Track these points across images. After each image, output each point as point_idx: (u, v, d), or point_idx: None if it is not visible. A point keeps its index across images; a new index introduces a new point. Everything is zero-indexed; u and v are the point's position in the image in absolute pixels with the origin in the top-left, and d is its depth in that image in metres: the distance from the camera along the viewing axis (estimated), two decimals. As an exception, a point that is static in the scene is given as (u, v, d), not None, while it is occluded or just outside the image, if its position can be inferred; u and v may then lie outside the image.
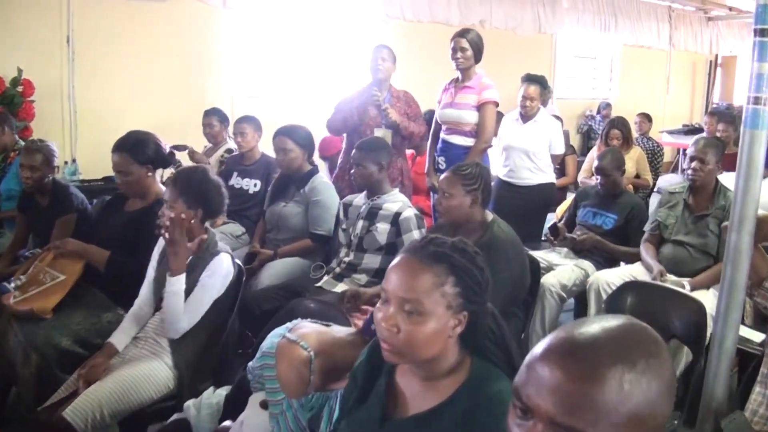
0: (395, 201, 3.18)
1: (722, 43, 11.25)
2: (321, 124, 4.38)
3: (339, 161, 4.29)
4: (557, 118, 5.55)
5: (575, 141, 9.62)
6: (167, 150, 3.03)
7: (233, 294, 2.57)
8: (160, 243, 2.58)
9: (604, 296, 3.31)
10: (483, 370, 1.34)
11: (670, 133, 9.40)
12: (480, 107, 4.02)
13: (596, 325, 0.85)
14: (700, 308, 2.36)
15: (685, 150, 8.61)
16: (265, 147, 4.27)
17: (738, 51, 11.39)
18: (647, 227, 3.62)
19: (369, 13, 7.10)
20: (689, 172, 3.41)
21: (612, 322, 0.86)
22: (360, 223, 3.19)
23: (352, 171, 3.23)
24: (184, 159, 4.49)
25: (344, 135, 4.26)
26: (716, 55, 11.31)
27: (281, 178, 3.71)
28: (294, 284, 3.22)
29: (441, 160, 4.17)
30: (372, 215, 3.17)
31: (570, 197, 5.67)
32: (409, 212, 3.10)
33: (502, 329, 1.40)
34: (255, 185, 4.18)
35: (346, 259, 3.20)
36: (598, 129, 9.51)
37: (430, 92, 4.37)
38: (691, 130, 9.16)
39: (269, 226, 3.66)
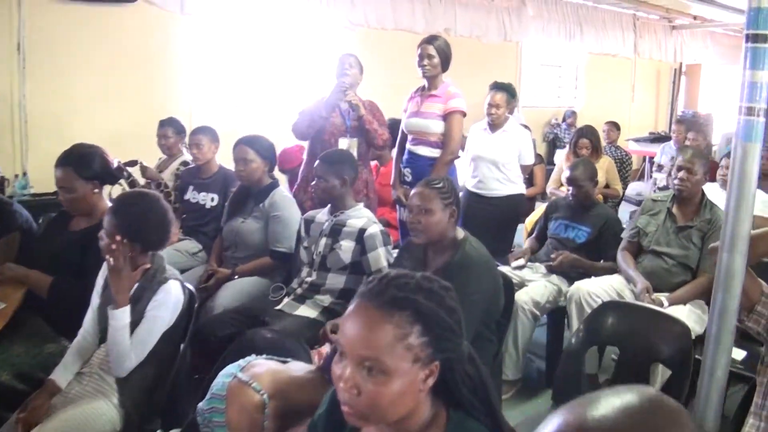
0: (360, 217, 3.00)
1: (686, 51, 11.32)
2: (283, 134, 4.19)
3: (300, 171, 4.11)
4: (525, 127, 5.43)
5: (541, 149, 9.54)
6: (115, 164, 2.82)
7: (184, 322, 2.35)
8: (105, 267, 2.37)
9: (587, 308, 3.19)
10: (461, 424, 1.16)
11: (636, 141, 9.40)
12: (446, 117, 3.87)
13: (609, 405, 0.68)
14: (685, 332, 2.23)
15: (651, 158, 8.63)
16: (223, 159, 4.06)
17: (702, 59, 11.48)
18: (625, 234, 3.51)
19: (332, 21, 6.93)
20: (676, 182, 3.31)
21: (627, 398, 0.69)
22: (323, 241, 3.00)
23: (312, 183, 3.04)
24: (136, 173, 4.25)
25: (306, 145, 4.08)
26: (680, 63, 11.37)
27: (239, 192, 3.51)
28: (252, 307, 3.01)
29: (407, 171, 4.01)
30: (335, 232, 2.99)
31: (539, 208, 5.57)
32: (375, 228, 2.93)
33: (480, 373, 1.22)
34: (212, 199, 3.96)
35: (308, 279, 3.00)
36: (564, 137, 9.47)
37: (396, 101, 4.22)
38: (657, 138, 9.17)
39: (227, 243, 3.46)
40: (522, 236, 5.71)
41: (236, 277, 3.28)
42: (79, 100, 5.37)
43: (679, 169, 3.30)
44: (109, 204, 2.69)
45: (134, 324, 2.16)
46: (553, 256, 3.67)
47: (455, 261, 2.48)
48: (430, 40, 3.93)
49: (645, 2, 9.27)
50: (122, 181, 4.30)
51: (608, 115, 10.31)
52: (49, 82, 5.24)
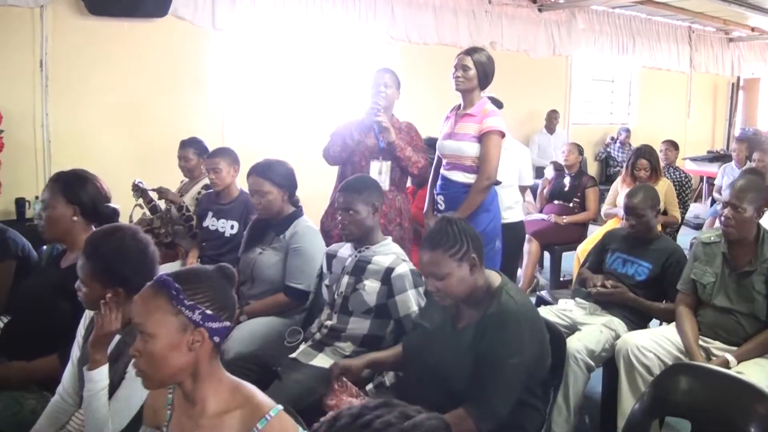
0: (387, 253, 2.64)
1: (744, 65, 10.74)
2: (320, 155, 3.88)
3: (331, 197, 3.77)
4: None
5: (593, 169, 9.07)
6: (110, 205, 2.56)
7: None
8: (87, 314, 2.07)
9: (635, 362, 2.81)
10: None
11: (693, 160, 8.83)
12: (482, 138, 3.46)
13: None
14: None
15: (710, 178, 8.08)
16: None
17: (761, 73, 10.84)
18: (681, 285, 3.03)
19: (371, 35, 6.64)
20: (722, 219, 2.83)
21: None
22: (345, 279, 2.65)
23: (339, 220, 2.67)
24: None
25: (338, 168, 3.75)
26: (738, 78, 10.77)
27: (259, 221, 3.18)
28: (264, 355, 2.67)
29: (440, 199, 3.58)
30: (359, 270, 2.63)
31: (594, 234, 5.14)
32: (404, 268, 2.56)
33: None
34: (232, 227, 3.65)
35: (328, 323, 2.64)
36: (617, 156, 8.98)
37: (439, 121, 3.86)
38: (716, 157, 8.60)
39: (242, 277, 3.11)
40: (573, 266, 5.29)
41: (244, 317, 2.94)
42: (105, 119, 5.18)
43: (725, 205, 2.81)
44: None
45: (114, 386, 1.84)
46: (609, 282, 3.25)
47: (490, 315, 2.08)
48: (470, 51, 3.54)
49: (702, 14, 8.74)
50: (143, 204, 4.07)
51: (663, 132, 9.81)
52: (73, 100, 5.07)
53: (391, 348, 2.46)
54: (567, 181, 5.51)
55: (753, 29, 9.74)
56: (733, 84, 10.79)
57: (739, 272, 2.81)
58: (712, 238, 2.95)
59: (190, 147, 4.10)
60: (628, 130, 9.07)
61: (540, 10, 8.21)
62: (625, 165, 4.98)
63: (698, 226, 6.85)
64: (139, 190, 3.94)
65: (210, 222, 3.70)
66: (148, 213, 4.07)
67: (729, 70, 10.60)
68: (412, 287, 2.53)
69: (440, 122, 3.80)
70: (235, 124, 5.85)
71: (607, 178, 8.81)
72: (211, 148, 3.96)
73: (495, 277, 2.19)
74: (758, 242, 2.80)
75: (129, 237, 1.98)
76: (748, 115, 10.81)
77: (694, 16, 8.82)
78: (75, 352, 2.04)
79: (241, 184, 3.79)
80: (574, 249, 5.39)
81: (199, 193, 4.02)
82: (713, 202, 6.88)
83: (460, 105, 3.62)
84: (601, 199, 5.67)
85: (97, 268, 1.91)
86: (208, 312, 1.44)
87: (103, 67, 5.12)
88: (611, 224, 5.01)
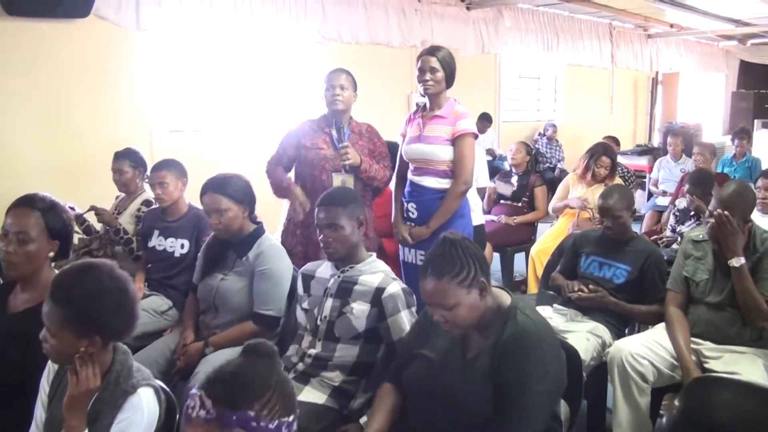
0: (374, 272, 2.41)
1: (662, 60, 11.09)
2: (258, 162, 3.58)
3: (287, 212, 3.50)
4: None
5: (523, 166, 9.10)
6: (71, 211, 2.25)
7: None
8: (51, 367, 1.75)
9: (630, 371, 2.69)
10: None
11: (623, 154, 8.97)
12: (456, 141, 3.29)
13: None
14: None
15: (638, 171, 8.22)
16: (193, 197, 3.44)
17: (678, 68, 11.23)
18: (671, 283, 2.95)
19: (302, 35, 6.36)
20: (709, 230, 2.76)
21: None
22: (329, 303, 2.39)
23: (322, 238, 2.41)
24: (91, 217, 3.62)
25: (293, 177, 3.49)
26: (657, 73, 11.13)
27: (216, 242, 2.86)
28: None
29: (411, 206, 3.38)
30: (344, 292, 2.38)
31: (545, 234, 5.08)
32: (395, 287, 2.33)
33: None
34: (182, 246, 3.32)
35: (312, 352, 2.38)
36: (546, 152, 9.05)
37: (373, 120, 3.63)
38: (644, 151, 8.78)
39: (203, 306, 2.80)
40: (524, 266, 5.21)
41: (210, 348, 2.65)
42: (23, 128, 4.67)
43: (710, 215, 2.73)
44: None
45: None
46: (587, 287, 3.14)
47: (507, 339, 1.87)
48: (433, 51, 3.37)
49: (624, 10, 8.93)
50: (77, 227, 3.66)
51: (588, 127, 10.03)
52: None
53: (380, 402, 2.11)
54: (515, 180, 5.43)
55: (672, 25, 10.04)
56: (652, 79, 11.12)
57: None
58: (702, 236, 2.88)
59: (126, 159, 3.71)
60: (554, 126, 9.18)
61: (468, 8, 8.17)
62: (583, 162, 4.91)
63: (639, 218, 6.94)
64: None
65: (156, 241, 3.36)
66: (82, 234, 3.67)
67: (648, 65, 10.93)
68: (405, 307, 2.31)
69: (376, 123, 3.58)
70: (164, 131, 5.45)
71: (539, 174, 8.86)
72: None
73: (503, 296, 1.99)
74: (749, 237, 2.75)
75: (106, 275, 1.66)
76: (667, 108, 11.17)
77: (617, 13, 9.00)
78: (39, 413, 1.71)
79: (189, 198, 3.49)
80: (524, 249, 5.32)
81: (138, 209, 3.64)
82: (650, 195, 6.99)
83: (425, 106, 3.44)
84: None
85: (70, 315, 1.59)
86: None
87: (19, 71, 4.62)
88: (564, 222, 4.96)
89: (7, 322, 2.01)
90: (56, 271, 2.17)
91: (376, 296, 2.32)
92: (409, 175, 3.42)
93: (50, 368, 1.74)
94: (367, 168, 3.31)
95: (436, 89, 3.31)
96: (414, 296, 2.38)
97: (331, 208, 2.37)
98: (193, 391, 1.20)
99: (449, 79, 3.36)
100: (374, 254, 2.52)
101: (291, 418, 1.21)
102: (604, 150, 4.89)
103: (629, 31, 10.42)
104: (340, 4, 6.69)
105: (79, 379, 1.54)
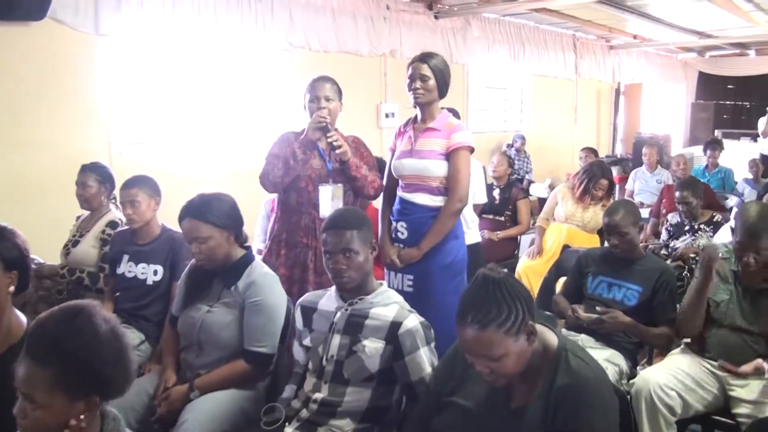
0: (387, 303, 2.14)
1: (624, 71, 11.14)
2: (229, 173, 3.27)
3: (270, 228, 3.21)
4: None
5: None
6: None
7: None
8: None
9: (659, 403, 2.51)
10: None
11: (592, 165, 8.94)
12: (450, 155, 3.06)
13: None
14: None
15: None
16: (166, 217, 3.12)
17: (639, 78, 11.30)
18: None
19: (269, 42, 6.06)
20: (745, 261, 2.55)
21: None
22: (336, 340, 2.12)
23: (333, 266, 2.11)
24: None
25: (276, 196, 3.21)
26: (619, 83, 11.19)
27: (199, 269, 2.54)
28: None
29: (401, 226, 3.09)
30: (354, 327, 2.11)
31: (527, 248, 4.90)
32: (413, 321, 2.07)
33: None
34: (155, 272, 2.99)
35: (318, 396, 2.10)
36: (514, 164, 8.91)
37: (342, 131, 3.37)
38: (614, 161, 8.73)
39: (185, 342, 2.48)
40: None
41: (195, 393, 2.33)
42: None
43: (743, 252, 2.54)
44: (22, 320, 1.77)
45: None
46: (599, 309, 2.93)
47: (562, 387, 1.64)
48: (424, 57, 3.15)
49: (590, 21, 8.89)
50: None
51: (554, 138, 9.97)
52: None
53: None
54: (497, 194, 5.24)
55: (635, 36, 10.07)
56: (615, 89, 11.16)
57: (755, 290, 2.59)
58: (722, 254, 2.70)
59: (92, 173, 3.35)
60: (523, 137, 9.07)
61: (436, 17, 8.00)
62: (579, 183, 4.72)
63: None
64: None
65: (126, 267, 3.02)
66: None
67: (611, 76, 10.95)
68: (424, 344, 2.05)
69: (346, 133, 3.32)
70: (124, 143, 5.07)
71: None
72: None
73: (549, 336, 1.75)
74: None
75: (100, 319, 1.35)
76: (630, 119, 11.22)
77: (582, 23, 8.96)
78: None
79: (162, 218, 3.17)
80: (508, 266, 5.12)
81: (103, 231, 3.28)
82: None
83: (416, 118, 3.21)
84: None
85: (62, 374, 1.28)
86: None
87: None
88: (556, 230, 4.76)
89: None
90: (18, 312, 1.86)
91: (392, 332, 2.05)
92: (399, 192, 3.17)
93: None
94: (358, 165, 3.10)
95: (427, 98, 3.09)
96: (432, 330, 2.12)
97: (345, 232, 2.09)
98: None
99: (442, 89, 3.16)
100: (384, 283, 2.25)
101: None
102: (602, 173, 4.72)
103: (592, 42, 10.43)
104: (307, 11, 6.43)
105: None
